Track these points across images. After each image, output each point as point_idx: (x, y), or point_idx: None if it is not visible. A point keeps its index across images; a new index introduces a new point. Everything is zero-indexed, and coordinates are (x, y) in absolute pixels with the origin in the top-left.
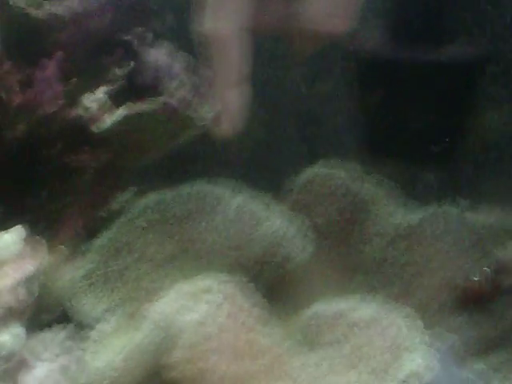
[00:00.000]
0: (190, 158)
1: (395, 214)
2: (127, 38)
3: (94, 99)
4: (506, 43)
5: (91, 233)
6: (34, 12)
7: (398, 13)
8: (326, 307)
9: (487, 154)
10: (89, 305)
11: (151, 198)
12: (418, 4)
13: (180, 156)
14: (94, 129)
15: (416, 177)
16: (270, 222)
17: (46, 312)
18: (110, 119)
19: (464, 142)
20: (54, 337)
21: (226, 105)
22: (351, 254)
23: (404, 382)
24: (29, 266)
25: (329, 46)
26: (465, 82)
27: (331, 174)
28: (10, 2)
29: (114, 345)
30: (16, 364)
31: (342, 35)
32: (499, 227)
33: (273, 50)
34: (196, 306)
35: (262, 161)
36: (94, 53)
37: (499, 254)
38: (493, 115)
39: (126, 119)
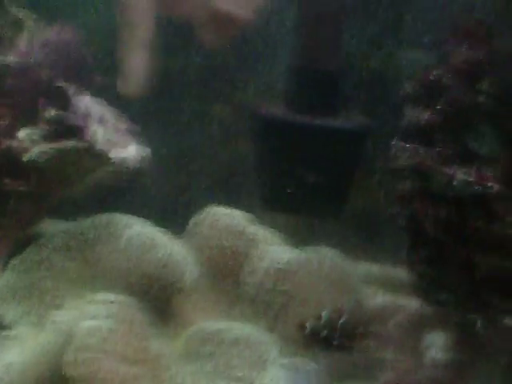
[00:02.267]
0: (106, 192)
1: (273, 255)
2: (62, 87)
3: (26, 134)
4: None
5: (17, 251)
6: None
7: (299, 86)
8: (206, 326)
9: (368, 214)
10: (2, 313)
11: (62, 225)
12: (316, 81)
13: (99, 190)
14: (24, 158)
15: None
16: (164, 248)
17: None
18: (35, 152)
19: (349, 200)
20: None
21: (131, 68)
22: (234, 285)
23: None
24: None
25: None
26: (352, 147)
27: (227, 214)
28: None
29: (19, 349)
30: None
31: (247, 24)
32: (371, 276)
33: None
34: (90, 316)
35: (169, 200)
36: (33, 97)
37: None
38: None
39: (54, 154)
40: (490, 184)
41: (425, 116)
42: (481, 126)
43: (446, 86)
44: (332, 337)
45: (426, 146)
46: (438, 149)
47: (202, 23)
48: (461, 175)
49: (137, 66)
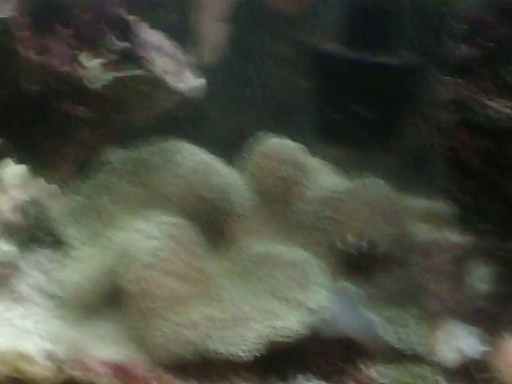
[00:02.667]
0: (170, 121)
1: (326, 184)
2: (125, 18)
3: (95, 63)
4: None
5: (81, 176)
6: None
7: (351, 23)
8: (257, 249)
9: (419, 149)
10: (71, 233)
11: (128, 152)
12: (368, 17)
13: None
14: (92, 86)
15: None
16: (220, 174)
17: (43, 235)
18: (97, 78)
19: (399, 135)
20: (40, 257)
21: (206, 38)
22: (287, 213)
23: (310, 311)
24: (24, 196)
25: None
26: (403, 84)
27: (283, 144)
28: None
29: (84, 267)
30: (11, 271)
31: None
32: (419, 210)
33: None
34: (152, 236)
35: (227, 131)
36: (98, 28)
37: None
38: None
39: (116, 81)
40: None
41: (468, 52)
42: None
43: (490, 23)
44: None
45: (469, 80)
46: (479, 82)
47: None
48: (502, 107)
49: (216, 38)
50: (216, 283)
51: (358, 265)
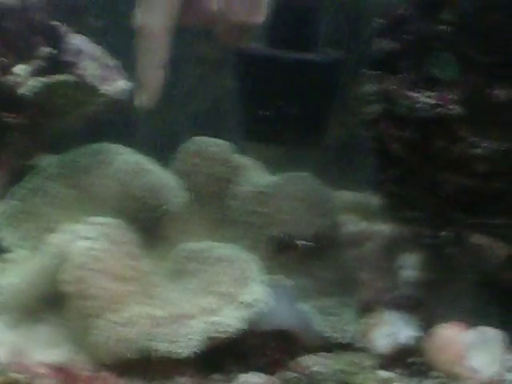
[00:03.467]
0: (101, 125)
1: (254, 179)
2: (55, 26)
3: (21, 69)
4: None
5: (14, 182)
6: None
7: (271, 21)
8: (191, 245)
9: (346, 143)
10: (4, 237)
11: (60, 156)
12: (288, 15)
13: (89, 123)
14: (18, 92)
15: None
16: (151, 174)
17: None
18: (29, 85)
19: (326, 130)
20: None
21: (145, 84)
22: (218, 210)
23: (246, 305)
24: None
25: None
26: (326, 80)
27: (213, 143)
28: None
29: (19, 270)
30: None
31: (257, 26)
32: (347, 202)
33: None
34: (85, 236)
35: (157, 132)
36: (28, 36)
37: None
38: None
39: (44, 87)
40: (451, 106)
41: (390, 46)
42: (441, 53)
43: (410, 17)
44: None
45: (389, 73)
46: (402, 75)
47: (218, 31)
48: (423, 98)
49: (154, 82)
50: (152, 281)
51: (286, 257)
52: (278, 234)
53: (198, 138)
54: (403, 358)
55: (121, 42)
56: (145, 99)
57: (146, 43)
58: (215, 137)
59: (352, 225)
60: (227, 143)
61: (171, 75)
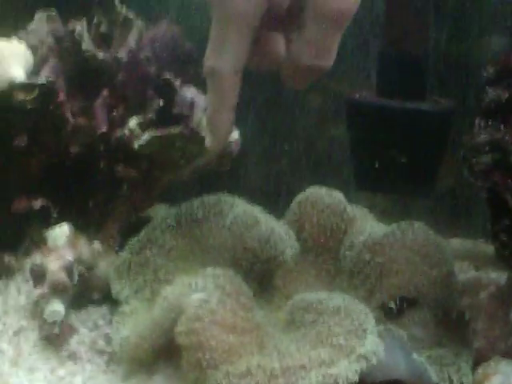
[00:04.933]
0: (209, 176)
1: (368, 229)
2: (169, 79)
3: (136, 123)
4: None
5: (125, 233)
6: (101, 55)
7: (381, 71)
8: (308, 296)
9: (457, 192)
10: (119, 289)
11: (171, 207)
12: (397, 65)
13: (202, 175)
14: (134, 146)
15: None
16: (265, 225)
17: (89, 293)
18: (144, 138)
19: (437, 179)
20: (89, 314)
21: (214, 128)
22: (334, 260)
23: (364, 357)
24: (70, 255)
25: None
26: (437, 129)
27: (328, 194)
28: (83, 47)
29: (133, 322)
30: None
31: (325, 71)
32: (462, 251)
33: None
34: (199, 289)
35: (269, 183)
36: (142, 89)
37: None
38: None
39: (154, 140)
40: None
41: (504, 95)
42: None
43: None
44: None
45: (500, 122)
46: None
47: (285, 74)
48: None
49: (224, 127)
50: (265, 332)
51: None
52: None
53: (312, 189)
54: None
55: None
56: (214, 144)
57: (216, 87)
58: (327, 186)
59: (466, 273)
60: (338, 193)
61: (283, 125)
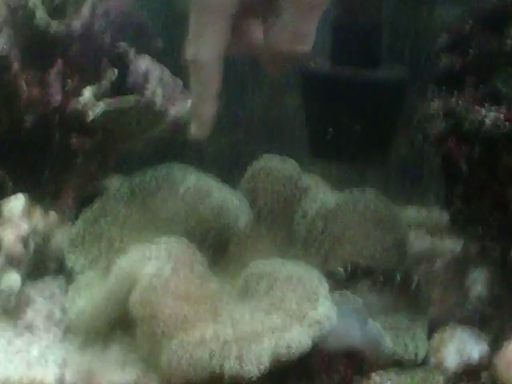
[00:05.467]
0: (164, 147)
1: (322, 197)
2: (123, 49)
3: (90, 93)
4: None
5: (80, 204)
6: (54, 26)
7: (335, 40)
8: (261, 264)
9: (412, 160)
10: (74, 260)
11: (125, 178)
12: (350, 33)
13: (156, 144)
14: (88, 116)
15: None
16: (217, 193)
17: (45, 263)
18: (98, 109)
19: (392, 147)
20: (45, 284)
21: (198, 116)
22: (285, 228)
23: (316, 323)
24: (25, 226)
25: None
26: (393, 96)
27: (279, 163)
28: (37, 18)
29: (88, 293)
30: (20, 299)
31: (303, 56)
32: (412, 218)
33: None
34: (153, 258)
35: (223, 152)
36: (97, 60)
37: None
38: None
39: (108, 110)
40: None
41: (457, 62)
42: (507, 68)
43: (476, 32)
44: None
45: (458, 89)
46: (469, 91)
47: (263, 59)
48: (491, 114)
49: (207, 114)
50: (220, 300)
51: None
52: (342, 268)
53: (266, 157)
54: (474, 374)
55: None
56: (198, 131)
57: (198, 75)
58: (281, 155)
59: (420, 241)
60: (293, 161)
61: (238, 97)
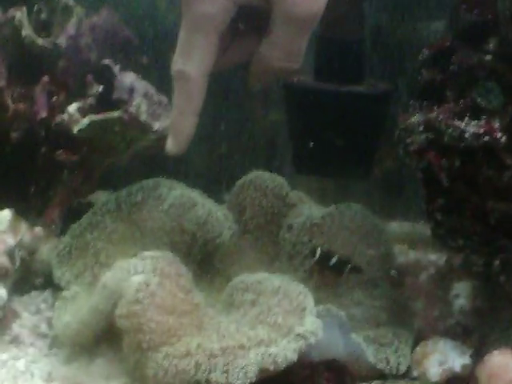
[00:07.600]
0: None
1: (307, 212)
2: (108, 65)
3: (75, 108)
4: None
5: (65, 218)
6: (40, 41)
7: (318, 56)
8: (247, 277)
9: (395, 173)
10: (60, 274)
11: (111, 192)
12: (332, 49)
13: (142, 159)
14: (73, 130)
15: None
16: (201, 207)
17: (31, 277)
18: (83, 123)
19: (374, 161)
20: (31, 299)
21: (177, 130)
22: (274, 243)
23: (302, 337)
24: (11, 240)
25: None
26: (373, 111)
27: (270, 178)
28: (23, 33)
29: (74, 307)
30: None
31: (293, 73)
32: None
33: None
34: (138, 271)
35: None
36: (82, 75)
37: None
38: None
39: (93, 124)
40: (498, 135)
41: (437, 77)
42: (486, 83)
43: (455, 47)
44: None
45: (433, 103)
46: (449, 105)
47: (253, 73)
48: (471, 128)
49: (187, 130)
50: (205, 313)
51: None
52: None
53: (255, 173)
54: None
55: (168, 79)
56: (175, 146)
57: (183, 90)
58: (266, 170)
59: (404, 255)
60: (279, 176)
61: (223, 110)
